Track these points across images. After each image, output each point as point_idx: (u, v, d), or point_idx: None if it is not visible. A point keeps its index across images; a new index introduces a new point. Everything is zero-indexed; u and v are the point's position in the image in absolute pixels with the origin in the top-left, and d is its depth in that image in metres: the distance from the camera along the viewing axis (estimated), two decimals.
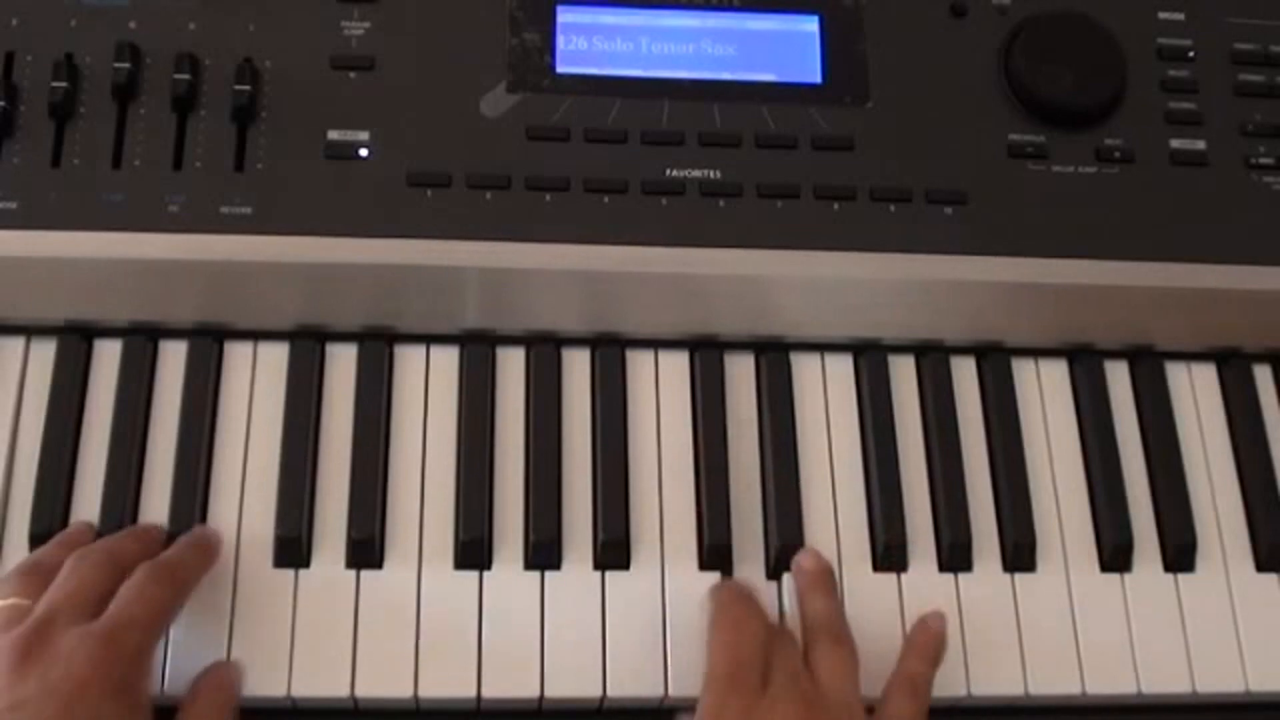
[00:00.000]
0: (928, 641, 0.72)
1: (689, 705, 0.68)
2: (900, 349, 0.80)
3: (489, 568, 0.73)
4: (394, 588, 0.72)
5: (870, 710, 0.69)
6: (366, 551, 0.72)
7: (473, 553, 0.73)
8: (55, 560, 0.67)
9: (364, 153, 0.75)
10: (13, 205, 0.72)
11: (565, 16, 0.79)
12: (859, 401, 0.79)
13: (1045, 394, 0.81)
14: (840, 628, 0.71)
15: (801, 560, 0.73)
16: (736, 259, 0.75)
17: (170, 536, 0.71)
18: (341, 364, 0.77)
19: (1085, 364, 0.81)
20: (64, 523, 0.72)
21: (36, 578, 0.65)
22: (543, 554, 0.73)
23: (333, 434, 0.75)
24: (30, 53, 0.75)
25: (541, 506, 0.74)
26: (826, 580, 0.73)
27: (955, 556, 0.75)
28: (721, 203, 0.76)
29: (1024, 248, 0.76)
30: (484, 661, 0.71)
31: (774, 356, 0.79)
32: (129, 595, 0.64)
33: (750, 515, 0.76)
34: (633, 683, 0.71)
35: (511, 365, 0.78)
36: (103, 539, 0.69)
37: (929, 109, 0.79)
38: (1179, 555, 0.77)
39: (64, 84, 0.74)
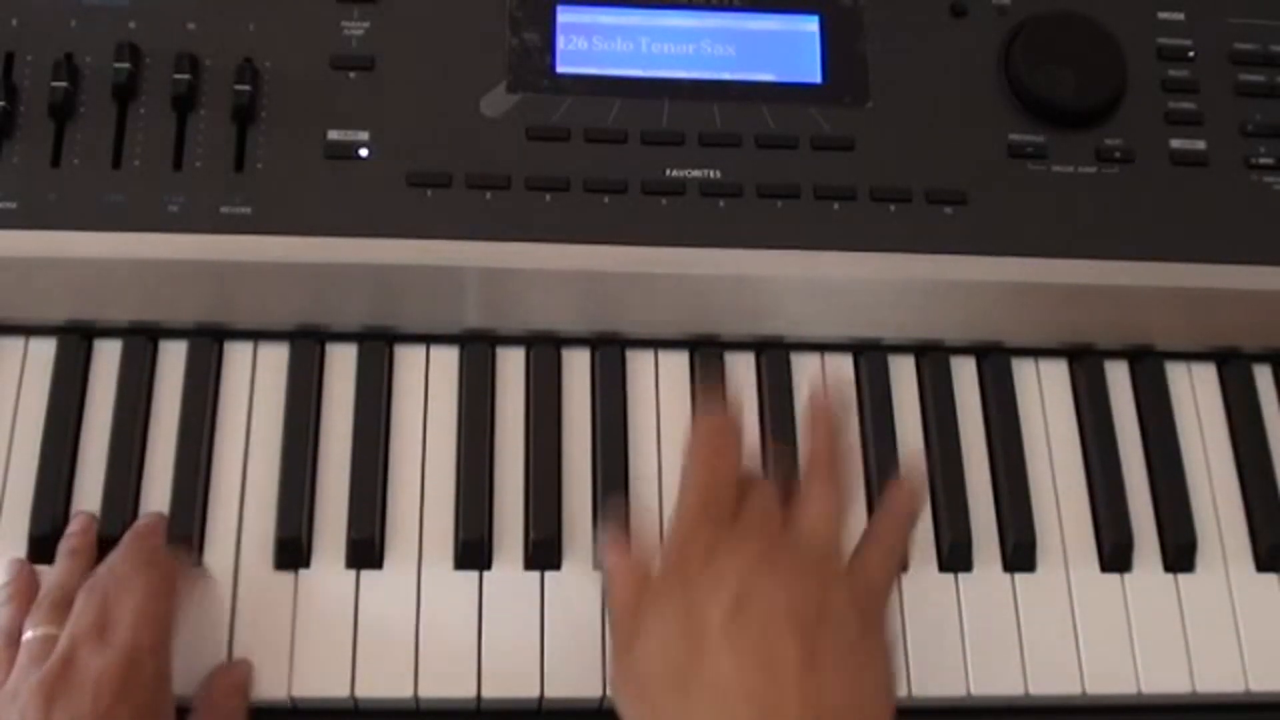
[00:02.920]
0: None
1: None
2: (900, 349, 0.80)
3: (489, 568, 0.73)
4: (394, 588, 0.72)
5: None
6: (366, 551, 0.72)
7: (473, 553, 0.73)
8: (72, 577, 0.67)
9: (364, 153, 0.75)
10: (13, 205, 0.72)
11: (565, 16, 0.79)
12: (859, 401, 0.79)
13: (1045, 394, 0.81)
14: (834, 467, 0.68)
15: (810, 397, 0.71)
16: (736, 259, 0.75)
17: (170, 539, 0.71)
18: (341, 364, 0.77)
19: (1085, 364, 0.81)
20: (64, 523, 0.72)
21: (64, 608, 0.66)
22: (543, 554, 0.73)
23: (333, 434, 0.75)
24: (30, 53, 0.75)
25: (541, 506, 0.74)
26: (835, 422, 0.69)
27: (955, 556, 0.75)
28: (721, 203, 0.76)
29: (1024, 248, 0.76)
30: (484, 661, 0.71)
31: (774, 356, 0.79)
32: (135, 619, 0.64)
33: None
34: None
35: (511, 365, 0.78)
36: (109, 560, 0.68)
37: (929, 109, 0.79)
38: (1179, 555, 0.77)
39: (64, 84, 0.74)
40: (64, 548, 0.70)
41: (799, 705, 0.59)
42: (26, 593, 0.68)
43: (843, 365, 0.80)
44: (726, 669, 0.60)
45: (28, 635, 0.65)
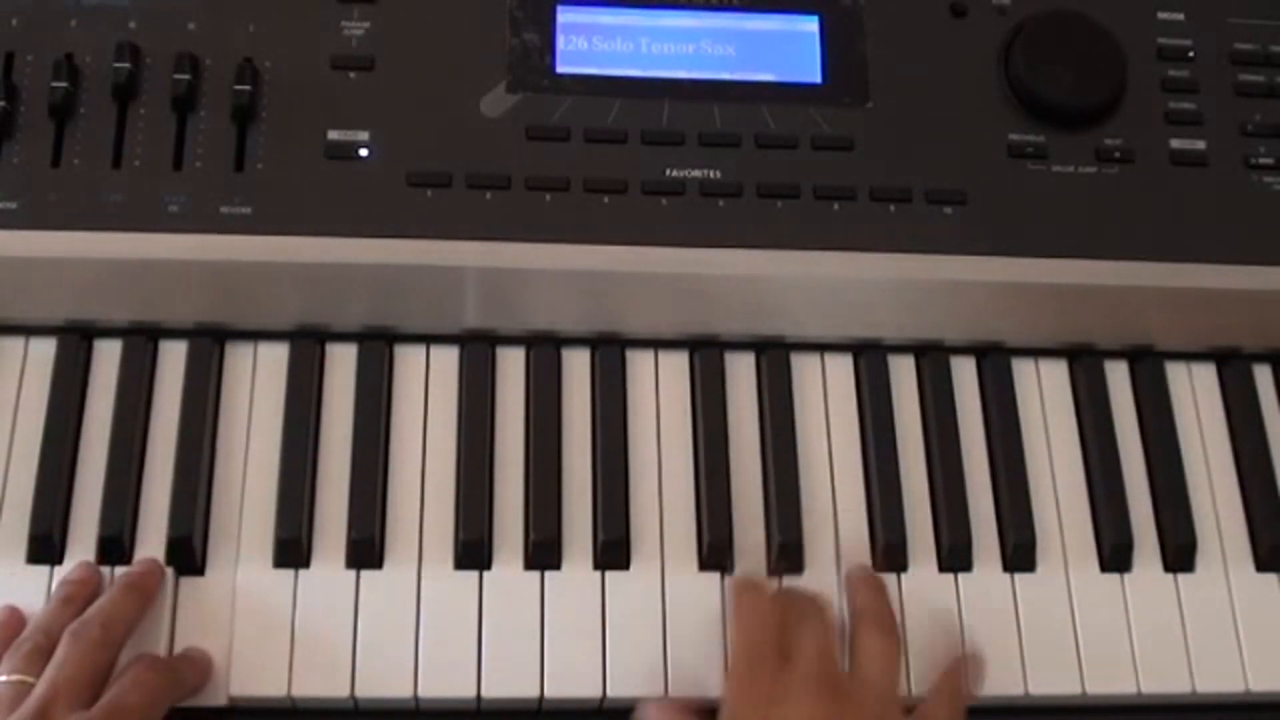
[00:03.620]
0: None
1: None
2: (900, 349, 0.80)
3: (489, 568, 0.73)
4: (394, 588, 0.72)
5: (909, 710, 0.68)
6: (366, 552, 0.72)
7: (473, 553, 0.73)
8: (60, 625, 0.66)
9: (364, 153, 0.75)
10: (13, 205, 0.72)
11: (565, 16, 0.79)
12: (859, 401, 0.79)
13: (1045, 394, 0.81)
14: (888, 619, 0.70)
15: (853, 567, 0.74)
16: (736, 259, 0.75)
17: (170, 541, 0.71)
18: (341, 364, 0.77)
19: (1085, 364, 0.81)
20: (64, 523, 0.72)
21: (41, 655, 0.64)
22: (543, 554, 0.73)
23: (333, 434, 0.75)
24: (30, 53, 0.75)
25: (541, 506, 0.74)
26: (879, 581, 0.73)
27: (955, 556, 0.75)
28: (721, 203, 0.76)
29: (1024, 248, 0.76)
30: (484, 661, 0.71)
31: (774, 356, 0.79)
32: (125, 685, 0.64)
33: (750, 515, 0.76)
34: (632, 682, 0.71)
35: (511, 365, 0.78)
36: (98, 604, 0.67)
37: (929, 109, 0.79)
38: (1179, 555, 0.77)
39: (64, 84, 0.74)
40: (59, 594, 0.69)
41: None
42: (6, 633, 0.67)
43: (843, 365, 0.80)
44: None
45: (0, 679, 0.63)
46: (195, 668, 0.68)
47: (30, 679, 0.63)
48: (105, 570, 0.71)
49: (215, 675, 0.69)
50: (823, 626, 0.69)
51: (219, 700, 0.69)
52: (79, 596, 0.68)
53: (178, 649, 0.70)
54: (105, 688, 0.64)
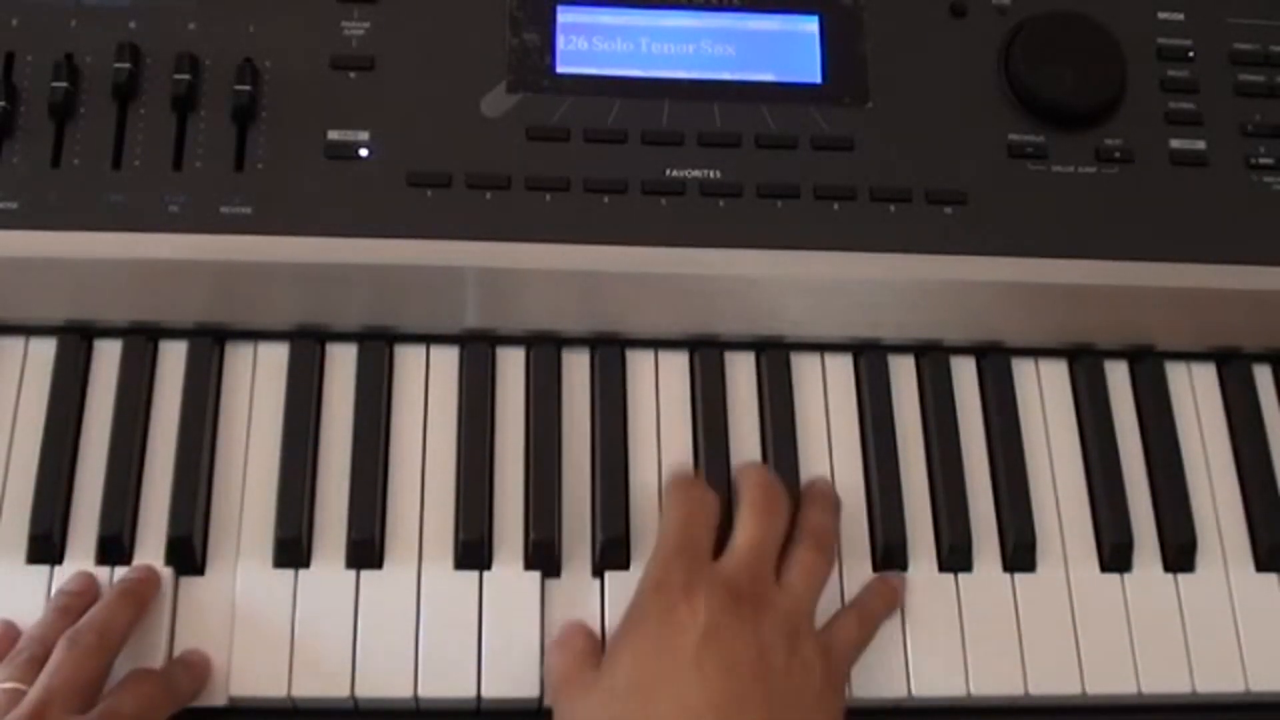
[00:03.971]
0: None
1: None
2: (900, 349, 0.80)
3: (489, 568, 0.73)
4: (394, 588, 0.72)
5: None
6: (366, 552, 0.72)
7: (473, 553, 0.73)
8: (56, 634, 0.65)
9: (364, 153, 0.75)
10: (13, 205, 0.72)
11: (565, 16, 0.79)
12: (859, 401, 0.79)
13: (1045, 394, 0.81)
14: (828, 539, 0.72)
15: (814, 481, 0.75)
16: (736, 259, 0.75)
17: (170, 541, 0.71)
18: (341, 364, 0.77)
19: (1085, 364, 0.81)
20: (64, 523, 0.72)
21: (38, 664, 0.64)
22: (543, 554, 0.73)
23: (333, 434, 0.75)
24: (30, 53, 0.75)
25: (541, 506, 0.74)
26: (831, 502, 0.74)
27: (955, 556, 0.75)
28: (721, 203, 0.76)
29: (1024, 248, 0.76)
30: (484, 661, 0.71)
31: (774, 356, 0.79)
32: (120, 693, 0.64)
33: None
34: None
35: (511, 365, 0.78)
36: (93, 612, 0.67)
37: (929, 109, 0.79)
38: (1179, 555, 0.77)
39: (64, 84, 0.74)
40: (56, 603, 0.69)
41: None
42: (2, 645, 0.66)
43: (843, 365, 0.80)
44: (695, 687, 0.63)
45: None
46: (192, 673, 0.68)
47: (25, 687, 0.63)
48: (105, 571, 0.71)
49: (215, 675, 0.69)
50: (768, 526, 0.70)
51: (219, 701, 0.69)
52: (76, 607, 0.68)
53: (178, 649, 0.70)
54: (100, 696, 0.64)
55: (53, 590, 0.70)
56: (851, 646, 0.70)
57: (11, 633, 0.68)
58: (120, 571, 0.71)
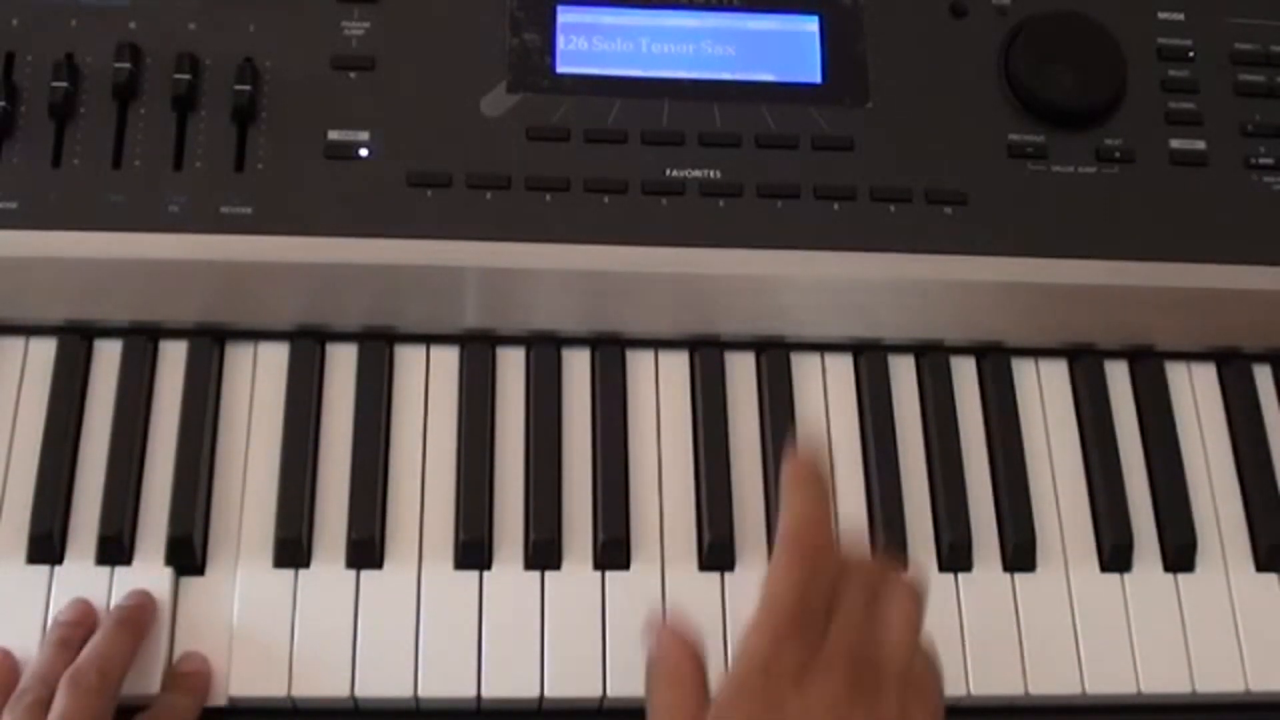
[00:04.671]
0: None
1: None
2: (900, 349, 0.80)
3: (489, 568, 0.73)
4: (394, 588, 0.72)
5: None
6: (366, 551, 0.72)
7: (473, 553, 0.73)
8: (57, 671, 0.65)
9: (364, 153, 0.75)
10: (13, 205, 0.72)
11: (565, 16, 0.79)
12: (859, 401, 0.79)
13: (1045, 394, 0.81)
14: (908, 584, 0.62)
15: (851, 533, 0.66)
16: (736, 259, 0.75)
17: (170, 541, 0.71)
18: (341, 364, 0.77)
19: (1085, 364, 0.81)
20: (64, 523, 0.72)
21: (42, 706, 0.63)
22: (543, 554, 0.73)
23: (333, 434, 0.75)
24: (30, 53, 0.75)
25: (541, 506, 0.74)
26: (921, 587, 0.63)
27: (955, 556, 0.75)
28: (721, 203, 0.76)
29: (1024, 248, 0.77)
30: (484, 661, 0.71)
31: (774, 356, 0.79)
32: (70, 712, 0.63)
33: (751, 515, 0.76)
34: (633, 682, 0.70)
35: (511, 365, 0.78)
36: (93, 645, 0.66)
37: (929, 109, 0.79)
38: (1179, 555, 0.77)
39: (64, 84, 0.74)
40: (54, 636, 0.68)
41: None
42: (5, 683, 0.66)
43: (843, 365, 0.80)
44: None
45: None
46: (191, 688, 0.68)
47: None
48: (105, 571, 0.71)
49: (215, 675, 0.69)
50: (858, 601, 0.60)
51: (219, 700, 0.69)
52: (74, 638, 0.67)
53: (178, 650, 0.69)
54: None
55: (52, 602, 0.70)
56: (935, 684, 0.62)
57: (9, 663, 0.67)
58: (120, 573, 0.71)
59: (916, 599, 0.61)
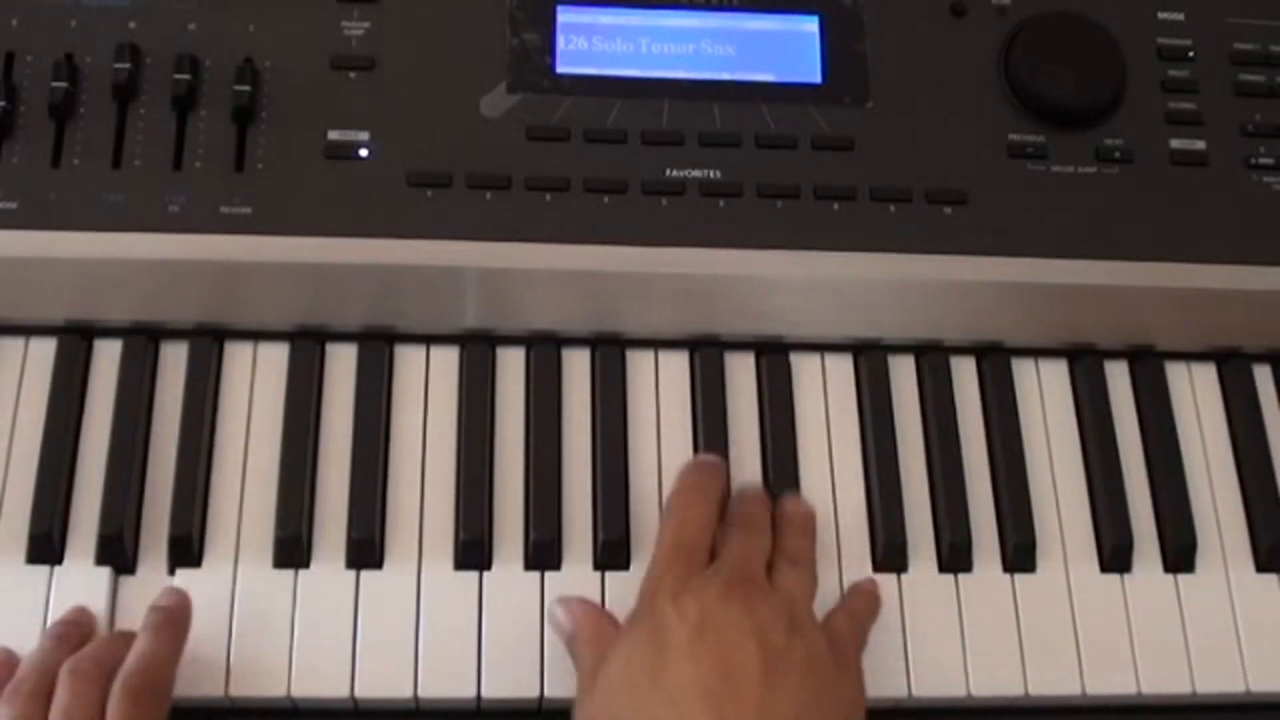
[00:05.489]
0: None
1: None
2: (900, 349, 0.80)
3: (489, 568, 0.73)
4: (394, 588, 0.72)
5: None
6: (366, 551, 0.72)
7: (473, 553, 0.73)
8: (55, 664, 0.65)
9: (364, 153, 0.75)
10: (13, 205, 0.72)
11: (565, 16, 0.79)
12: (859, 401, 0.79)
13: (1045, 394, 0.81)
14: (807, 558, 0.72)
15: (785, 503, 0.74)
16: (736, 259, 0.75)
17: (171, 541, 0.71)
18: (341, 364, 0.77)
19: (1085, 364, 0.81)
20: (64, 523, 0.72)
21: (42, 696, 0.63)
22: (543, 554, 0.73)
23: (333, 434, 0.75)
24: (30, 53, 0.75)
25: (541, 506, 0.74)
26: (807, 523, 0.74)
27: (955, 556, 0.75)
28: (721, 203, 0.76)
29: (1024, 248, 0.77)
30: (484, 661, 0.71)
31: (774, 356, 0.79)
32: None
33: None
34: None
35: (511, 365, 0.78)
36: (91, 646, 0.66)
37: (929, 109, 0.79)
38: (1179, 555, 0.77)
39: (64, 84, 0.74)
40: (53, 630, 0.68)
41: (755, 709, 0.61)
42: (3, 677, 0.66)
43: (843, 365, 0.80)
44: (687, 674, 0.62)
45: None
46: (172, 633, 0.67)
47: None
48: (105, 572, 0.71)
49: (215, 675, 0.69)
50: (758, 543, 0.70)
51: (219, 700, 0.69)
52: (73, 635, 0.68)
53: None
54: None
55: (51, 602, 0.70)
56: (850, 637, 0.70)
57: (10, 660, 0.67)
58: (124, 579, 0.71)
59: (805, 571, 0.71)
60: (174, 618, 0.68)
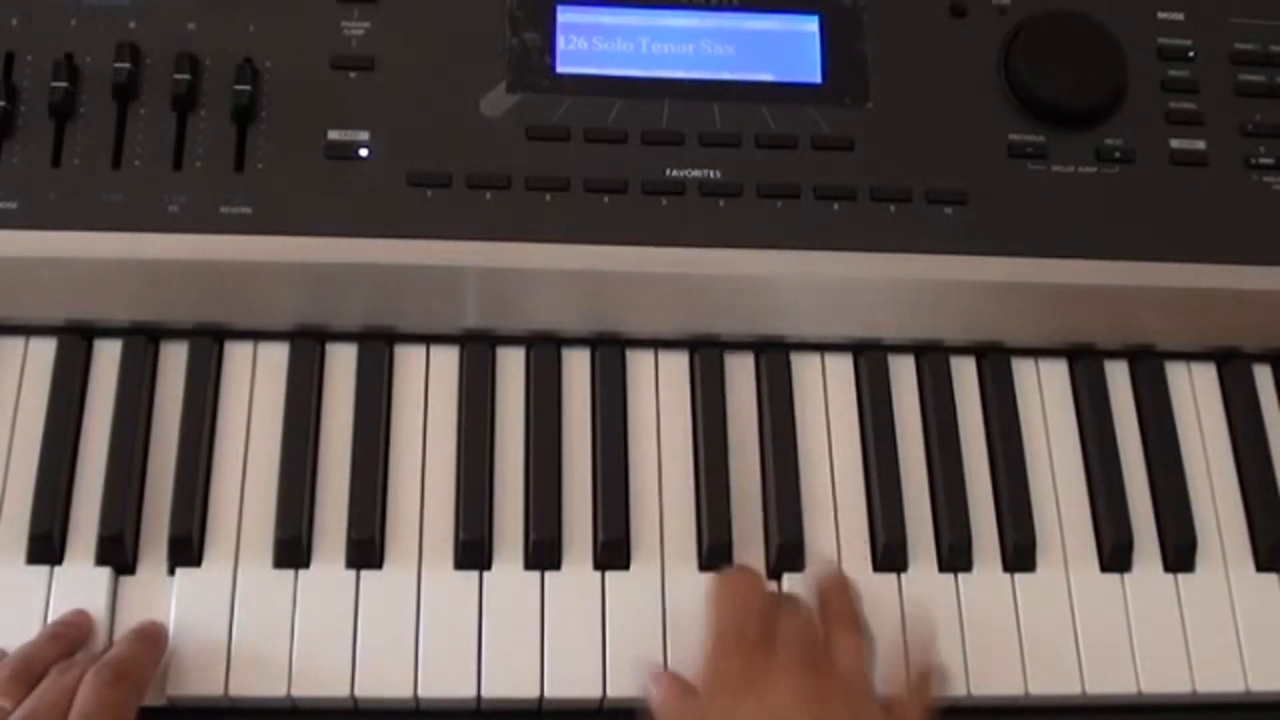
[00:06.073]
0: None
1: None
2: (900, 349, 0.80)
3: (489, 568, 0.73)
4: (394, 588, 0.72)
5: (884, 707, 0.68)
6: (366, 552, 0.72)
7: (473, 553, 0.73)
8: (45, 660, 0.66)
9: (364, 153, 0.75)
10: (13, 205, 0.72)
11: (565, 16, 0.79)
12: (859, 401, 0.79)
13: (1045, 394, 0.81)
14: (858, 619, 0.70)
15: (820, 571, 0.73)
16: (736, 259, 0.75)
17: (171, 541, 0.72)
18: (341, 364, 0.77)
19: (1085, 364, 0.81)
20: (64, 523, 0.72)
21: (23, 682, 0.64)
22: (543, 554, 0.73)
23: (333, 434, 0.75)
24: (30, 53, 0.75)
25: (541, 506, 0.74)
26: (846, 582, 0.72)
27: (955, 556, 0.75)
28: (721, 203, 0.76)
29: (1024, 248, 0.77)
30: (484, 661, 0.71)
31: (774, 356, 0.79)
32: (90, 705, 0.63)
33: (750, 515, 0.76)
34: (632, 683, 0.71)
35: (511, 365, 0.78)
36: (88, 653, 0.67)
37: (929, 109, 0.79)
38: (1179, 555, 0.77)
39: (64, 84, 0.74)
40: (49, 629, 0.68)
41: None
42: None
43: (843, 365, 0.80)
44: None
45: None
46: (148, 645, 0.68)
47: (5, 704, 0.63)
48: (105, 572, 0.71)
49: (215, 675, 0.69)
50: (806, 617, 0.69)
51: (218, 700, 0.69)
52: (67, 636, 0.68)
53: (177, 650, 0.69)
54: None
55: (51, 602, 0.70)
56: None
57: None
58: (124, 579, 0.71)
59: (860, 636, 0.69)
60: (154, 633, 0.69)
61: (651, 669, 0.69)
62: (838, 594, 0.71)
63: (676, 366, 0.79)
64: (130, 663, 0.66)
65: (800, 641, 0.67)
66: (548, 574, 0.73)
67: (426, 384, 0.77)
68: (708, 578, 0.71)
